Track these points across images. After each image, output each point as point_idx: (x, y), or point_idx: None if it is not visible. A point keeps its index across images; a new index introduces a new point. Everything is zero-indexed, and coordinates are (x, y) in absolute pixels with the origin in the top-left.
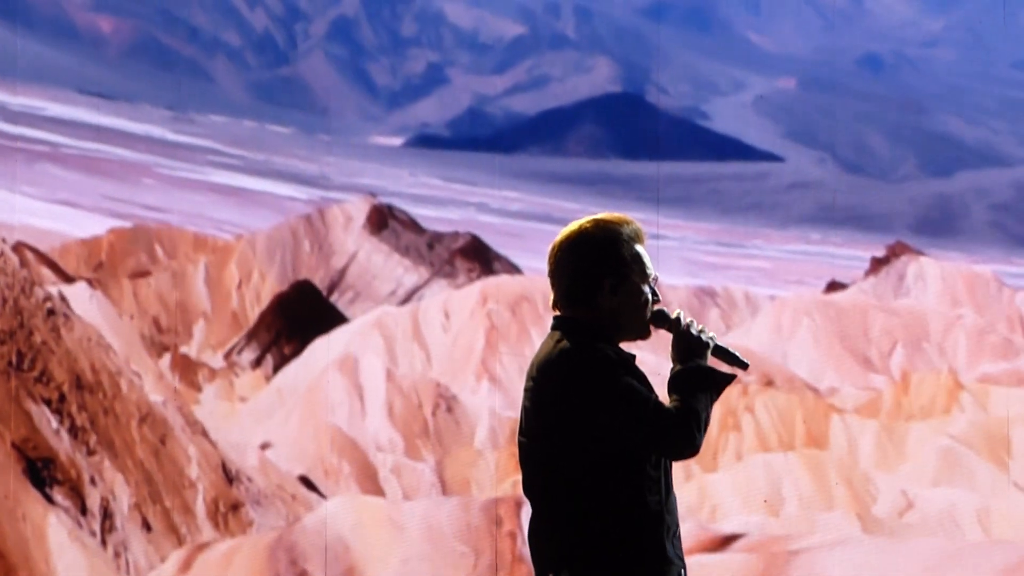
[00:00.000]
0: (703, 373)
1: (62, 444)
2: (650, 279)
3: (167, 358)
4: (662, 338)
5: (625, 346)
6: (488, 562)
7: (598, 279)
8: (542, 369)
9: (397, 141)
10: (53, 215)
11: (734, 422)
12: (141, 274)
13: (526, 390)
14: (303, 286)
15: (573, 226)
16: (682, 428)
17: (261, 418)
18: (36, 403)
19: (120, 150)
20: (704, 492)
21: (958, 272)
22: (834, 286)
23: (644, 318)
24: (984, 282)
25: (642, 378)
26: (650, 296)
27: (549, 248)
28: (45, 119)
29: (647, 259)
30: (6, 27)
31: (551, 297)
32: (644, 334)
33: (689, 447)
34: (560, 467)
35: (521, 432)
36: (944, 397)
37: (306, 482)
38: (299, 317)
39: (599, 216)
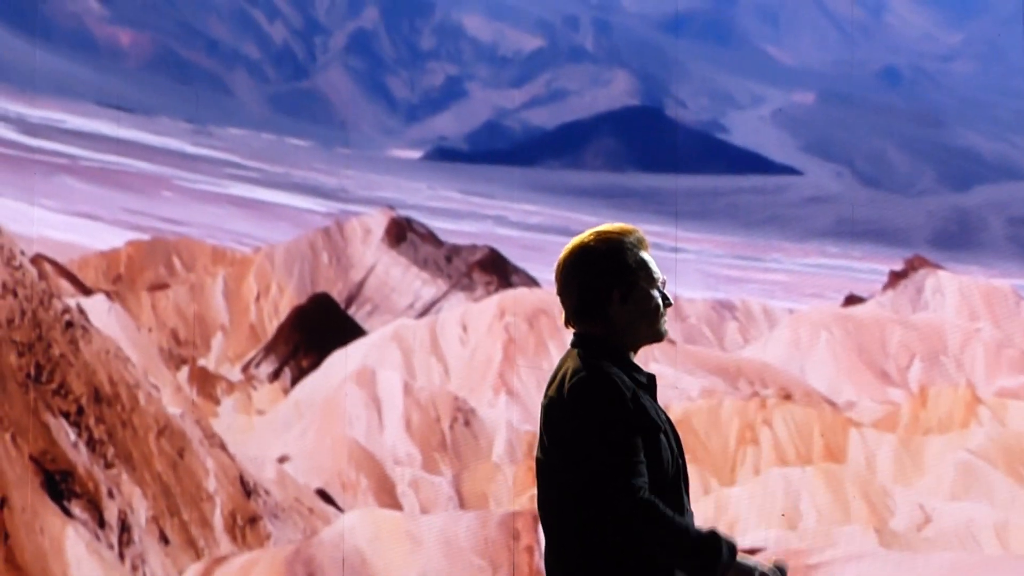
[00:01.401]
0: (710, 565)
1: (80, 457)
2: (658, 283)
3: (185, 371)
4: (680, 350)
5: (644, 354)
6: None
7: (607, 291)
8: (558, 388)
9: (416, 154)
10: (72, 227)
11: (752, 436)
12: (159, 287)
13: (542, 406)
14: (321, 299)
15: (575, 242)
16: (634, 514)
17: (279, 431)
18: (54, 416)
19: (139, 163)
20: (722, 506)
21: (976, 286)
22: (852, 300)
23: (657, 322)
24: (1002, 296)
25: (644, 412)
26: (660, 301)
27: (555, 267)
28: (64, 131)
29: (653, 264)
30: (26, 40)
31: (562, 316)
32: (659, 338)
33: (620, 530)
34: (565, 488)
35: (538, 448)
36: (962, 411)
37: (324, 495)
38: (317, 330)
39: (599, 228)
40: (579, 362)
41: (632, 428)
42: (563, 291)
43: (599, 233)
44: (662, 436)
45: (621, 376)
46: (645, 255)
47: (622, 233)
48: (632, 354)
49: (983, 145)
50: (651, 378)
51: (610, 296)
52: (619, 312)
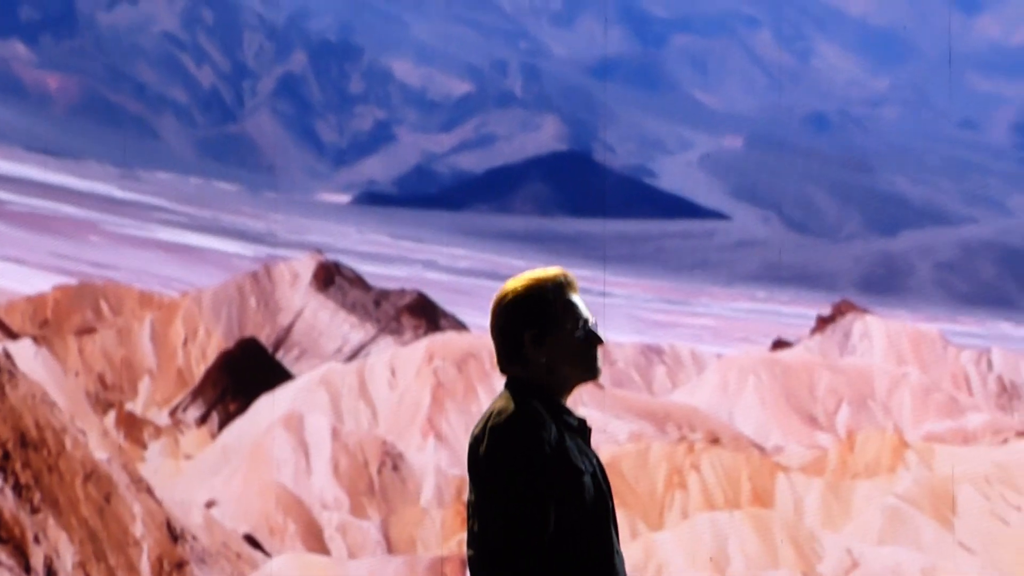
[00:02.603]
0: None
1: (6, 502)
2: (583, 323)
3: (112, 415)
4: (608, 394)
5: (571, 398)
6: None
7: (519, 335)
8: (482, 426)
9: (344, 198)
10: None
11: (680, 480)
12: (86, 331)
13: (469, 444)
14: (249, 343)
15: (500, 289)
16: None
17: (206, 476)
18: None
19: (66, 207)
20: (650, 550)
21: (903, 330)
22: (780, 344)
23: (584, 361)
24: (929, 340)
25: (564, 456)
26: (585, 340)
27: None
28: None
29: (579, 305)
30: None
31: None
32: (590, 375)
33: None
34: (482, 527)
35: (469, 489)
36: (889, 455)
37: (251, 540)
38: (245, 374)
39: (527, 273)
40: (506, 402)
41: (544, 476)
42: (492, 337)
43: (519, 279)
44: (586, 479)
45: (543, 420)
46: (572, 297)
47: (540, 279)
48: (564, 395)
49: (910, 190)
50: (581, 422)
51: (521, 340)
52: (535, 355)
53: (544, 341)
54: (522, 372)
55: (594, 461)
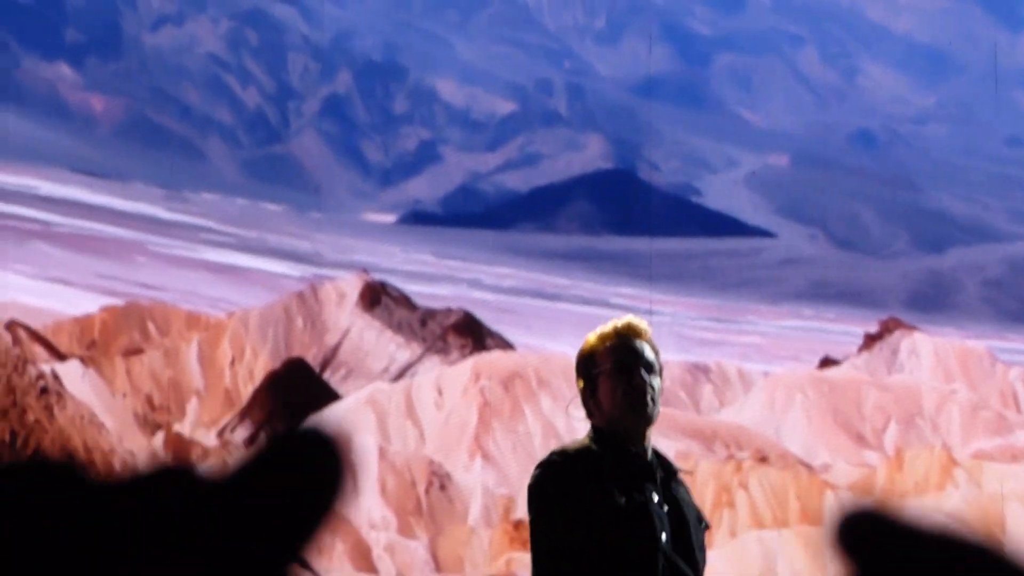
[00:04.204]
0: None
1: None
2: (621, 368)
3: (160, 436)
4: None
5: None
6: None
7: (578, 387)
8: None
9: (390, 218)
10: (46, 293)
11: (728, 499)
12: (134, 352)
13: None
14: (296, 363)
15: None
16: None
17: None
18: None
19: (113, 228)
20: None
21: (951, 347)
22: (827, 362)
23: (625, 403)
24: (977, 357)
25: (594, 501)
26: (621, 383)
27: None
28: (37, 197)
29: (627, 349)
30: None
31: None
32: (634, 416)
33: None
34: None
35: None
36: (938, 473)
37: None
38: (292, 394)
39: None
40: (568, 444)
41: (578, 506)
42: None
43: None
44: (625, 512)
45: (583, 453)
46: (618, 343)
47: (603, 332)
48: (629, 436)
49: (957, 207)
50: (641, 463)
51: (580, 391)
52: (593, 405)
53: (595, 393)
54: (592, 419)
55: (651, 495)
